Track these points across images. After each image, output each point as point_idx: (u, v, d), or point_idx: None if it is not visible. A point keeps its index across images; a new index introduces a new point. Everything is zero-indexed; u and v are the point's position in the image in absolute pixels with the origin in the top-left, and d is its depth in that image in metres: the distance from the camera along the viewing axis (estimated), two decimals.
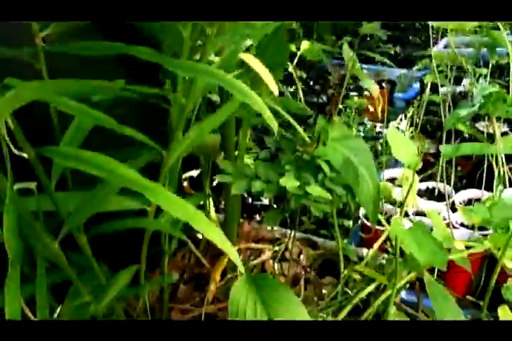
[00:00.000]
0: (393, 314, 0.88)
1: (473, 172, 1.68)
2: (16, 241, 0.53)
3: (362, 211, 1.51)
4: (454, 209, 1.40)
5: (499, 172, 1.32)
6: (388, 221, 0.93)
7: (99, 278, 0.79)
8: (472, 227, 1.37)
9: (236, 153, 1.01)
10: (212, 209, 1.25)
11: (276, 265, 1.16)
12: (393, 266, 1.02)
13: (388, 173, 1.49)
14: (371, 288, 0.96)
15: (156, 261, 0.95)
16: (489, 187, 1.37)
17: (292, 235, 1.19)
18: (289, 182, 0.77)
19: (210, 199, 1.23)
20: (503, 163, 1.31)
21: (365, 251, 1.13)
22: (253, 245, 1.20)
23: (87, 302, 0.77)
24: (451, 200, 1.44)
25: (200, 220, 0.50)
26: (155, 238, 0.85)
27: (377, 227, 1.40)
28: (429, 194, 1.54)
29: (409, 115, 1.73)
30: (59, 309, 0.72)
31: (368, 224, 1.39)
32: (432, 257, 0.80)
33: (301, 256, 1.19)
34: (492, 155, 1.34)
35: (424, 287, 1.12)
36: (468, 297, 1.17)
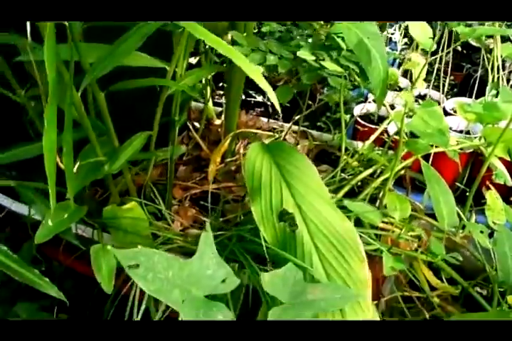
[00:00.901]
0: (388, 196, 0.92)
1: (465, 83, 1.71)
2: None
3: (357, 109, 1.53)
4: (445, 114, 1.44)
5: (493, 77, 1.34)
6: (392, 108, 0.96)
7: (114, 141, 0.80)
8: (460, 132, 1.43)
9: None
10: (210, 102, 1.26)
11: None
12: (389, 156, 1.07)
13: None
14: (369, 171, 1.00)
15: (165, 137, 0.96)
16: (479, 97, 1.39)
17: (291, 124, 1.21)
18: (306, 55, 0.77)
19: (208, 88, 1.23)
20: (498, 69, 1.33)
21: (359, 144, 1.16)
22: (252, 130, 1.22)
23: (101, 163, 0.79)
24: (441, 106, 1.48)
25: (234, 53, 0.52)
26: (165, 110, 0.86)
27: (370, 125, 1.45)
28: (420, 99, 1.57)
29: None
30: (76, 165, 0.73)
31: (362, 122, 1.43)
32: (436, 138, 0.83)
33: (298, 147, 1.22)
34: (489, 62, 1.36)
35: (413, 181, 1.18)
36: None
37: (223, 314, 0.54)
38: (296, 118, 1.21)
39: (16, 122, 0.84)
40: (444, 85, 1.57)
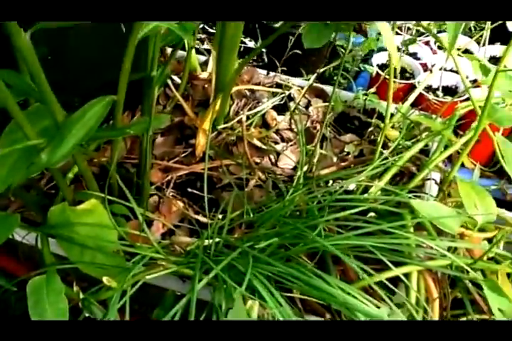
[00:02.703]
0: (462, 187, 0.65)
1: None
2: None
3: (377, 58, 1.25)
4: None
5: None
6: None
7: (55, 111, 0.50)
8: None
9: None
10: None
11: (280, 118, 0.90)
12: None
13: None
14: (420, 145, 0.73)
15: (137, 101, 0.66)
16: None
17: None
18: None
19: None
20: None
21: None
22: (251, 86, 0.92)
23: (37, 149, 0.49)
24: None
25: None
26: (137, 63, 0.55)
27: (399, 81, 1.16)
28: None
29: None
30: None
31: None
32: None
33: (310, 108, 0.94)
34: None
35: None
36: None
37: None
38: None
39: None
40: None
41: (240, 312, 0.30)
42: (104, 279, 0.50)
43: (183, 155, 0.82)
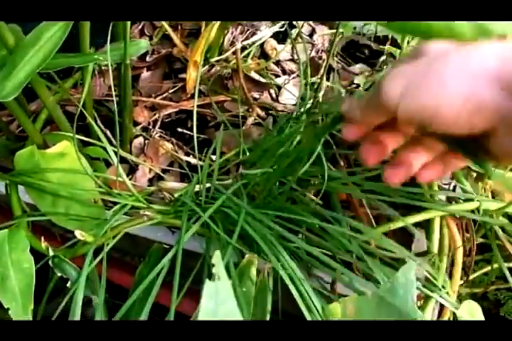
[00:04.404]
0: None
1: None
2: None
3: None
4: None
5: None
6: None
7: (5, 38, 0.41)
8: None
9: None
10: None
11: (280, 47, 0.80)
12: None
13: None
14: None
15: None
16: None
17: None
18: None
19: None
20: None
21: None
22: None
23: None
24: None
25: None
26: None
27: None
28: None
29: None
30: None
31: None
32: None
33: (315, 36, 0.83)
34: None
35: None
36: None
37: None
38: None
39: None
40: None
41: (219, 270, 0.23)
42: (77, 233, 0.43)
43: (171, 91, 0.73)
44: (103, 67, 0.76)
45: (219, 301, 0.21)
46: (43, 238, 0.45)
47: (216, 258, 0.22)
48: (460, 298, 0.51)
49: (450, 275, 0.52)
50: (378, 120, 0.31)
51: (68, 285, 0.43)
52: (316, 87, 0.71)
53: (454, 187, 0.56)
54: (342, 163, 0.53)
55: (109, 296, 0.93)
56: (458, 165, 0.34)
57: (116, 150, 0.50)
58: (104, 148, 0.54)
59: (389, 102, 0.28)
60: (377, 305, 0.33)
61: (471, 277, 0.54)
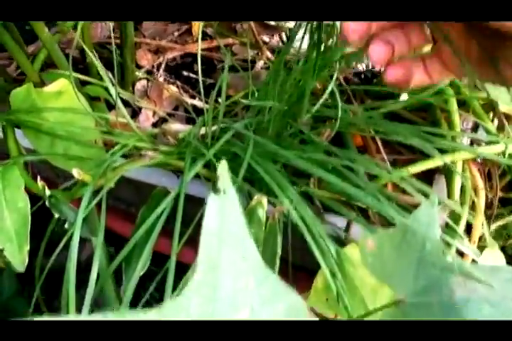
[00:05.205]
0: None
1: None
2: None
3: None
4: None
5: None
6: None
7: None
8: None
9: None
10: None
11: None
12: None
13: None
14: None
15: None
16: None
17: None
18: None
19: None
20: None
21: None
22: None
23: None
24: None
25: None
26: None
27: None
28: None
29: None
30: None
31: None
32: None
33: None
34: None
35: None
36: None
37: None
38: None
39: None
40: None
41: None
42: (74, 171, 0.40)
43: (177, 34, 0.68)
44: None
45: (225, 219, 0.18)
46: (39, 177, 0.42)
47: (222, 168, 0.19)
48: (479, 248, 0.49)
49: (470, 227, 0.49)
50: None
51: (66, 226, 0.41)
52: (331, 27, 0.67)
53: (475, 129, 0.53)
54: (356, 102, 0.50)
55: (114, 249, 0.92)
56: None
57: (108, 87, 0.46)
58: (106, 89, 0.51)
59: None
60: (399, 240, 0.30)
61: (493, 226, 0.52)
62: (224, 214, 0.18)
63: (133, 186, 0.61)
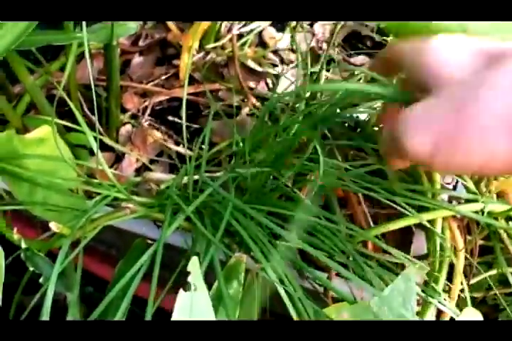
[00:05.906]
0: None
1: None
2: None
3: None
4: None
5: None
6: None
7: None
8: None
9: None
10: None
11: (279, 36, 0.77)
12: None
13: None
14: None
15: None
16: None
17: None
18: None
19: None
20: None
21: None
22: None
23: None
24: None
25: None
26: None
27: None
28: None
29: None
30: None
31: None
32: None
33: (315, 25, 0.80)
34: None
35: None
36: None
37: None
38: None
39: None
40: None
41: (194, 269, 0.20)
42: (52, 225, 0.40)
43: (164, 77, 0.69)
44: (94, 51, 0.72)
45: (193, 315, 0.18)
46: (15, 229, 0.41)
47: (193, 265, 0.18)
48: (459, 303, 0.48)
49: (450, 279, 0.49)
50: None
51: (41, 280, 0.40)
52: (315, 77, 0.68)
53: (454, 186, 0.54)
54: (339, 158, 0.50)
55: (94, 290, 0.90)
56: None
57: (98, 136, 0.46)
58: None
59: (418, 156, 0.25)
60: (374, 313, 0.30)
61: (472, 282, 0.52)
62: (193, 310, 0.18)
63: (114, 231, 0.61)
